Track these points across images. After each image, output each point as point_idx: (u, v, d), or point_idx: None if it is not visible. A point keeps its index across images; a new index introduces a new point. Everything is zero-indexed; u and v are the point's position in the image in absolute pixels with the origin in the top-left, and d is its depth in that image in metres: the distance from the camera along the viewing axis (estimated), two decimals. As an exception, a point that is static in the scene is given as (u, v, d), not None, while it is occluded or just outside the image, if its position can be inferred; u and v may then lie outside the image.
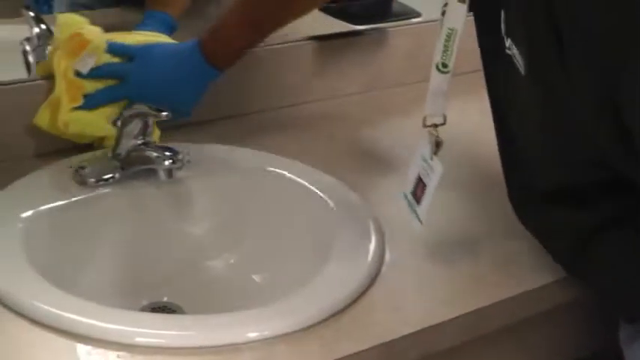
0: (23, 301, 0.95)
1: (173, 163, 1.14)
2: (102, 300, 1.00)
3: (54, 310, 0.94)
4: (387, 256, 1.09)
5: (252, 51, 1.27)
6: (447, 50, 0.98)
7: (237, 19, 1.21)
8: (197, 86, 1.21)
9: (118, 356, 0.91)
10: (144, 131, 1.15)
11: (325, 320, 0.97)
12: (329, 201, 1.17)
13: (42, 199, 1.11)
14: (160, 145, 1.16)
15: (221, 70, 1.21)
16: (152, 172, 1.16)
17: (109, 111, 1.20)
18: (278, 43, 1.38)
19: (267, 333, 0.95)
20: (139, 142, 1.15)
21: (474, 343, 1.04)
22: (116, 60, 1.20)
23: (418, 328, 0.98)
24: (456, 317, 1.00)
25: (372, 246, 1.09)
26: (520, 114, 0.99)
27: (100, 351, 0.91)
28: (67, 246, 1.11)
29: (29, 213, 1.09)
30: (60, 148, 1.21)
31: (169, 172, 1.15)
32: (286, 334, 0.95)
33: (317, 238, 1.14)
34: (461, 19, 0.97)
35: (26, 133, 1.22)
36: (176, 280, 1.18)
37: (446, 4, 0.98)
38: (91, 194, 1.14)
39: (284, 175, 1.20)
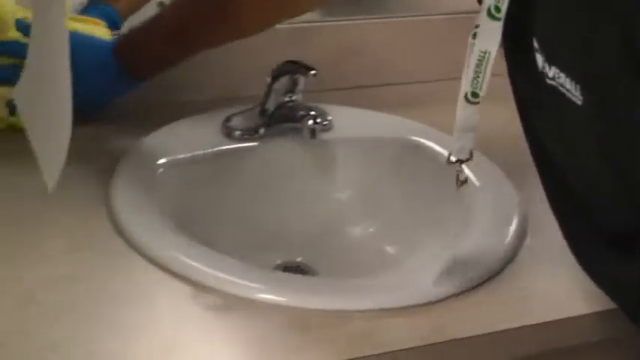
0: (151, 245, 0.96)
1: (316, 123, 1.13)
2: (237, 254, 1.00)
3: (180, 256, 0.95)
4: (527, 243, 1.04)
5: (416, 20, 1.23)
6: (478, 77, 0.84)
7: (159, 27, 1.10)
8: (106, 88, 1.12)
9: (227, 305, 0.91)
10: (292, 89, 1.14)
11: (446, 299, 0.94)
12: (475, 179, 1.12)
13: (187, 147, 1.13)
14: (307, 104, 1.15)
15: (135, 79, 1.12)
16: (297, 131, 1.15)
17: (2, 90, 1.11)
18: (443, 14, 1.35)
19: (381, 304, 0.92)
20: (287, 99, 1.14)
21: (597, 346, 0.98)
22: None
23: (541, 320, 0.93)
24: (584, 315, 0.94)
25: (512, 229, 1.04)
26: (572, 149, 0.84)
27: (219, 301, 0.91)
28: (206, 196, 1.12)
29: (171, 158, 1.10)
30: (214, 97, 1.22)
31: (313, 132, 1.14)
32: (401, 308, 0.92)
33: (457, 215, 1.10)
34: (495, 39, 0.82)
35: (187, 78, 1.23)
36: (312, 241, 1.17)
37: (478, 26, 0.84)
38: (234, 146, 1.15)
39: (430, 146, 1.17)
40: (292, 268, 1.15)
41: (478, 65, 0.83)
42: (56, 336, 0.84)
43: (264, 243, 1.15)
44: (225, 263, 0.96)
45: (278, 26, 1.15)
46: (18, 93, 0.90)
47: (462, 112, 0.86)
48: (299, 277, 1.07)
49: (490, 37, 0.82)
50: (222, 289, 0.92)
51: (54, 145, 0.82)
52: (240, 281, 0.93)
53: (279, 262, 1.15)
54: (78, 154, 1.07)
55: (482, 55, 0.83)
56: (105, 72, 1.10)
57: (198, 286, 0.92)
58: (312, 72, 1.11)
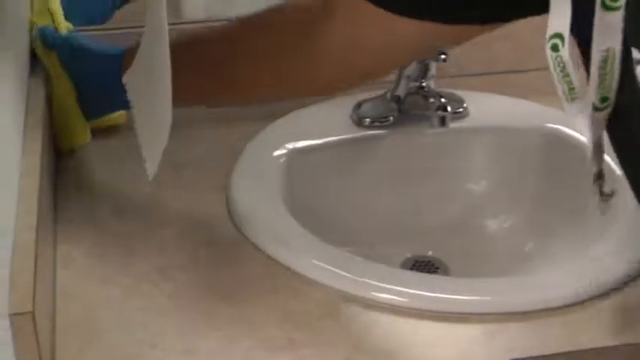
0: (267, 239, 0.93)
1: (446, 110, 1.07)
2: (364, 246, 0.97)
3: (295, 251, 0.92)
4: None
5: None
6: (605, 80, 0.71)
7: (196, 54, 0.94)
8: (106, 96, 1.00)
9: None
10: (423, 74, 1.08)
11: (577, 304, 0.87)
12: (619, 172, 1.04)
13: (314, 133, 1.09)
14: (439, 90, 1.09)
15: None
16: (429, 119, 1.09)
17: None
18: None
19: (505, 307, 0.86)
20: (418, 84, 1.08)
21: None
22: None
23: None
24: None
25: (658, 230, 0.95)
26: None
27: (332, 299, 0.87)
28: (332, 185, 1.08)
29: (296, 145, 1.07)
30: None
31: (443, 120, 1.07)
32: (528, 312, 0.86)
33: (597, 211, 1.01)
34: (617, 32, 0.69)
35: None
36: (443, 234, 1.11)
37: (557, 35, 0.72)
38: (363, 134, 1.10)
39: (572, 136, 1.08)
40: (423, 263, 1.09)
41: (602, 67, 0.71)
42: (157, 330, 0.82)
43: (393, 235, 1.10)
44: (340, 258, 0.92)
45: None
46: (128, 77, 0.89)
47: (593, 124, 0.75)
48: (417, 274, 1.01)
49: (610, 31, 0.70)
50: (334, 286, 0.88)
51: (155, 133, 0.80)
52: (356, 278, 0.89)
53: (408, 255, 1.10)
54: (204, 138, 1.07)
55: (605, 55, 0.71)
56: (108, 84, 0.97)
57: (312, 284, 0.88)
58: (443, 56, 1.05)
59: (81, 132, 1.04)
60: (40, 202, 0.80)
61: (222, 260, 0.91)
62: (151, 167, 0.82)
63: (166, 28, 0.77)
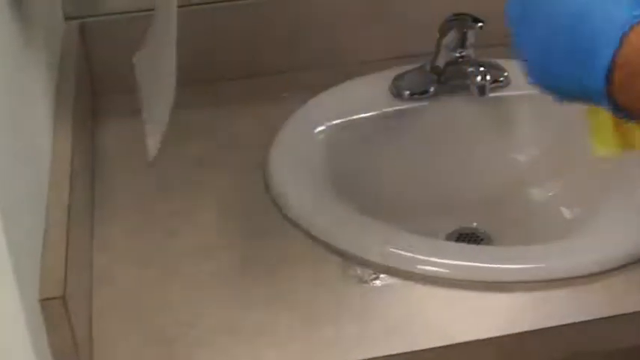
0: (305, 216, 0.93)
1: (485, 79, 1.05)
2: (407, 221, 0.96)
3: (333, 227, 0.91)
4: None
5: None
6: None
7: None
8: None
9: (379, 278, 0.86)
10: (462, 43, 1.06)
11: (619, 269, 0.85)
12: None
13: (353, 109, 1.08)
14: (480, 60, 1.07)
15: None
16: (469, 89, 1.07)
17: None
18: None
19: (545, 274, 0.85)
20: (457, 54, 1.07)
21: None
22: None
23: None
24: None
25: None
26: None
27: (370, 274, 0.87)
28: (373, 160, 1.07)
29: (336, 121, 1.06)
30: (381, 57, 1.17)
31: (482, 90, 1.05)
32: (570, 279, 0.85)
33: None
34: None
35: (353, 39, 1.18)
36: (487, 205, 1.09)
37: None
38: (403, 107, 1.09)
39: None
40: (467, 235, 1.08)
41: None
42: (197, 310, 0.82)
43: (437, 208, 1.09)
44: (382, 232, 0.91)
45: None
46: (138, 58, 0.87)
47: None
48: (459, 245, 1.00)
49: None
50: (376, 261, 0.88)
51: (158, 114, 0.78)
52: (399, 251, 0.88)
53: (453, 228, 1.09)
54: (244, 114, 1.06)
55: None
56: None
57: (350, 258, 0.88)
58: (479, 24, 1.03)
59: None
60: (73, 180, 0.80)
61: (263, 240, 0.91)
62: (152, 148, 0.80)
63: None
